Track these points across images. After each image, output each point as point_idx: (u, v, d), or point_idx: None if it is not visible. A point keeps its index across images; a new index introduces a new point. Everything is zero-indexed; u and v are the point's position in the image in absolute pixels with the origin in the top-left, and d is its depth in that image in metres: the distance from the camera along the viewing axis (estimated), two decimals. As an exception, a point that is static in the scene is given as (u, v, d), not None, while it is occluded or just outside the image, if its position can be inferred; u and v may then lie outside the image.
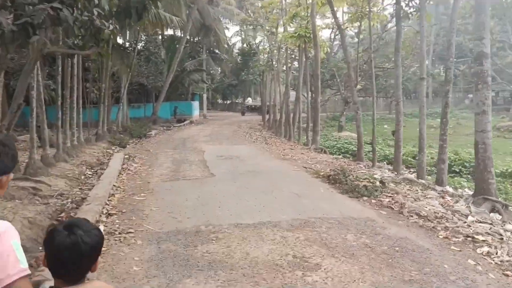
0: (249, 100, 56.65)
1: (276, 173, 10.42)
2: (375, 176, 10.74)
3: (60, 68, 13.11)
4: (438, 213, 6.66)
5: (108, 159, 14.52)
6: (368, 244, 5.22)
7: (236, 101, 73.82)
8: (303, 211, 6.75)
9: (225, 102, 74.90)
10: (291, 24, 20.46)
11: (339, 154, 17.63)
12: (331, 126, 36.01)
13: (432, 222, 6.18)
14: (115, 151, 17.41)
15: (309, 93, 22.64)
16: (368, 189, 7.92)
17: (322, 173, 9.97)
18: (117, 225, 6.10)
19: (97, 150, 16.52)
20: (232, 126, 31.28)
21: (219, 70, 61.61)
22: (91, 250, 1.60)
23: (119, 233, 5.73)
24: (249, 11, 35.72)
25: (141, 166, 12.21)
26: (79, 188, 10.11)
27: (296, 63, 24.37)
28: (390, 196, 7.72)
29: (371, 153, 17.08)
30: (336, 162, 13.77)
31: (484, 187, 8.28)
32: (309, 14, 18.21)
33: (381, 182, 8.54)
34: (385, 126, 38.15)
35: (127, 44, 27.97)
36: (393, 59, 18.84)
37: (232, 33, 66.59)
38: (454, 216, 6.64)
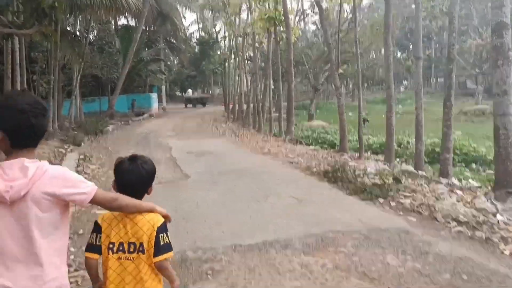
0: (189, 92, 55.43)
1: (261, 171, 8.98)
2: (368, 169, 9.49)
3: (-4, 56, 11.08)
4: (477, 217, 5.43)
5: (60, 160, 12.63)
6: (420, 271, 3.88)
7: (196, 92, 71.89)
8: (314, 222, 5.35)
9: (183, 94, 72.68)
10: (258, 6, 18.99)
11: (316, 145, 16.38)
12: (297, 115, 34.89)
13: (479, 230, 4.94)
14: (69, 150, 15.43)
15: (275, 81, 21.33)
16: (381, 188, 6.61)
17: (315, 169, 8.61)
18: (72, 256, 4.47)
19: (47, 150, 14.50)
20: (195, 118, 29.54)
21: (177, 61, 59.36)
22: (147, 175, 2.19)
23: (75, 270, 4.12)
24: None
25: (100, 168, 10.45)
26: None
27: (263, 49, 22.89)
28: (409, 196, 6.44)
29: (352, 143, 15.97)
30: (319, 154, 12.50)
31: (507, 180, 7.15)
32: (279, -5, 16.81)
33: (394, 178, 7.25)
34: (350, 114, 37.36)
35: (78, 33, 25.63)
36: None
37: (189, 22, 64.46)
38: (496, 220, 5.42)
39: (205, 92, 65.58)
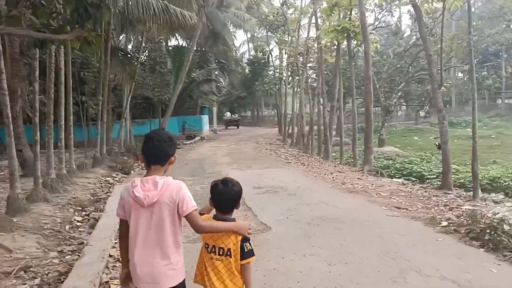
0: (228, 114, 56.89)
1: (364, 220, 6.64)
2: (498, 215, 6.94)
3: (37, 72, 9.47)
4: None
5: (106, 193, 10.88)
6: None
7: (245, 114, 70.47)
8: None
9: (232, 115, 71.49)
10: (324, 17, 16.90)
11: (399, 177, 13.89)
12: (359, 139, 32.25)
13: None
14: (116, 179, 13.74)
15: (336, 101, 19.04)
16: None
17: (444, 224, 6.19)
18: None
19: (93, 179, 12.86)
20: (249, 142, 27.60)
21: (227, 82, 58.21)
22: (236, 195, 2.81)
23: None
24: (262, 15, 32.29)
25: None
26: (58, 252, 6.47)
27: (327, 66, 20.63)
28: None
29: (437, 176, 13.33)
30: (416, 192, 10.03)
31: None
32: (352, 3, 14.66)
33: None
34: (415, 138, 34.39)
35: (129, 52, 24.51)
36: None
37: (240, 42, 63.51)
38: None
39: (255, 113, 64.00)
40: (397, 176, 14.17)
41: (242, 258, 2.66)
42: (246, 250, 2.67)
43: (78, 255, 5.87)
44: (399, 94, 24.14)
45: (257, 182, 10.70)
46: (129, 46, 26.27)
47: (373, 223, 6.45)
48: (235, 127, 49.75)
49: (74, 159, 16.41)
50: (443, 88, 11.17)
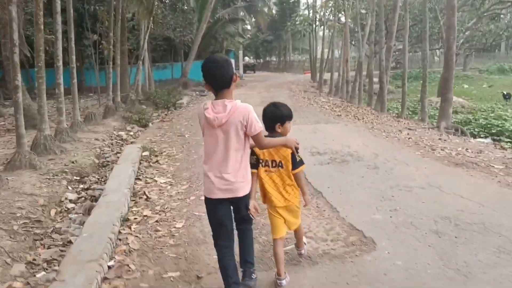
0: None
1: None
2: None
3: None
4: None
5: (117, 154, 8.42)
6: None
7: (270, 59, 66.71)
8: None
9: (257, 60, 67.83)
10: None
11: (484, 137, 11.01)
12: (395, 86, 28.65)
13: None
14: (131, 133, 11.25)
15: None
16: None
17: None
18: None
19: (103, 134, 10.37)
20: (281, 89, 24.70)
21: (253, 24, 54.29)
22: (283, 113, 3.13)
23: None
24: None
25: (174, 185, 5.93)
26: (28, 264, 4.10)
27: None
28: None
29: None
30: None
31: None
32: None
33: None
34: (466, 86, 30.68)
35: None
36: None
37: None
38: None
39: (283, 57, 60.28)
40: (481, 135, 11.31)
41: (294, 168, 3.07)
42: (297, 160, 3.08)
43: (56, 271, 3.48)
44: (466, 33, 20.42)
45: (313, 145, 8.00)
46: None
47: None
48: (252, 72, 47.60)
49: (80, 109, 13.95)
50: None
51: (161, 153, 7.99)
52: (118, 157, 8.01)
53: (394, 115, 15.00)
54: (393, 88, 26.16)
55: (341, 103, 17.31)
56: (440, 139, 9.30)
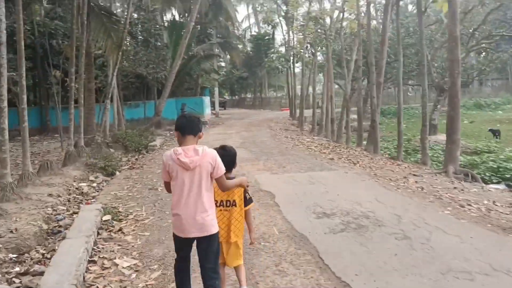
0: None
1: None
2: None
3: None
4: None
5: (72, 215, 6.78)
6: None
7: (246, 96, 65.81)
8: None
9: (232, 97, 66.83)
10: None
11: (497, 182, 9.82)
12: (385, 123, 27.71)
13: None
14: (94, 185, 9.57)
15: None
16: None
17: None
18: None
19: (59, 186, 8.65)
20: (261, 127, 23.38)
21: (228, 61, 53.51)
22: (233, 155, 3.50)
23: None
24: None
25: (141, 272, 4.32)
26: None
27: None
28: None
29: None
30: None
31: None
32: None
33: None
34: (465, 121, 29.80)
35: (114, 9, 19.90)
36: None
37: (241, 17, 58.52)
38: None
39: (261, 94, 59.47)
40: (494, 181, 10.11)
41: (245, 205, 3.46)
42: (247, 198, 3.49)
43: None
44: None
45: (316, 203, 6.53)
46: (115, 7, 21.75)
47: None
48: (223, 108, 46.73)
49: (40, 154, 12.37)
50: None
51: (127, 215, 6.36)
52: (74, 220, 6.36)
53: (387, 156, 13.79)
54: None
55: (328, 143, 16.02)
56: (455, 188, 7.99)
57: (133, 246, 5.04)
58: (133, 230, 5.62)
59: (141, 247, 4.97)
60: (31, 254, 5.34)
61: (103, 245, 5.08)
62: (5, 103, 7.51)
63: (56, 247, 5.40)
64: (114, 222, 5.95)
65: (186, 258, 3.26)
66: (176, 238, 3.18)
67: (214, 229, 3.11)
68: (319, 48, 21.81)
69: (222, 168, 3.12)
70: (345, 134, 17.64)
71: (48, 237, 6.06)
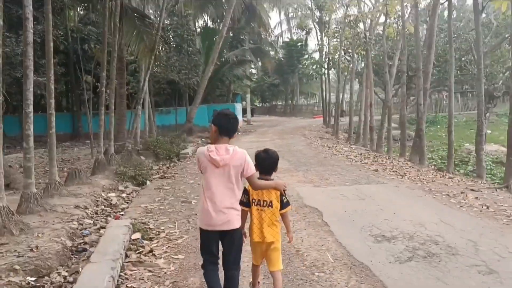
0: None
1: None
2: None
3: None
4: None
5: (99, 231, 6.22)
6: None
7: (277, 103, 65.08)
8: None
9: (263, 104, 66.22)
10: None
11: None
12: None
13: None
14: (124, 195, 9.01)
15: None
16: None
17: None
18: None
19: (87, 197, 8.11)
20: (295, 135, 22.62)
21: (259, 68, 52.96)
22: (275, 159, 3.54)
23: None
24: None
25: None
26: None
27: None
28: None
29: None
30: None
31: None
32: None
33: None
34: (489, 131, 28.28)
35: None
36: None
37: (273, 24, 57.90)
38: None
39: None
40: None
41: (281, 208, 3.47)
42: (284, 202, 3.49)
43: None
44: (506, 73, 18.29)
45: (371, 222, 5.70)
46: (148, 13, 21.38)
47: None
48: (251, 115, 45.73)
49: (70, 161, 12.04)
50: None
51: (158, 233, 5.69)
52: (100, 237, 5.76)
53: (433, 167, 12.76)
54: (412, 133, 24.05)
55: (368, 153, 15.10)
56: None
57: (165, 273, 4.35)
58: (166, 252, 4.94)
59: (175, 275, 4.28)
60: (52, 277, 4.75)
61: (131, 270, 4.41)
62: (31, 108, 6.99)
63: (80, 269, 4.80)
64: (144, 241, 5.29)
65: (213, 255, 3.36)
66: (203, 232, 3.35)
67: (237, 223, 3.30)
68: (358, 53, 20.86)
69: (251, 168, 3.28)
70: (385, 144, 16.63)
71: (72, 256, 5.48)
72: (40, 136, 13.68)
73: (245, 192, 3.48)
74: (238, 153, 3.23)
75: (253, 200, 3.47)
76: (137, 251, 4.97)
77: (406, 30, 15.05)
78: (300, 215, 6.26)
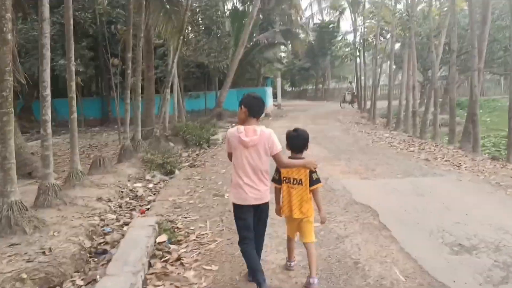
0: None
1: None
2: None
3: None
4: None
5: (121, 227, 5.52)
6: None
7: (307, 87, 63.55)
8: None
9: (293, 89, 64.78)
10: None
11: None
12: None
13: None
14: (150, 186, 8.30)
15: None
16: None
17: None
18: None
19: (111, 188, 7.43)
20: (328, 120, 21.60)
21: (289, 50, 51.66)
22: (305, 138, 3.67)
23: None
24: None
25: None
26: None
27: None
28: None
29: None
30: None
31: None
32: None
33: None
34: None
35: None
36: None
37: (305, 4, 56.27)
38: None
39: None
40: None
41: (311, 185, 3.58)
42: (314, 179, 3.59)
43: None
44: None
45: (441, 226, 4.75)
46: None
47: None
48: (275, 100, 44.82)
49: (97, 147, 11.51)
50: None
51: (187, 235, 4.90)
52: (123, 235, 5.05)
53: (487, 156, 11.57)
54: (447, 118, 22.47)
55: (411, 140, 13.96)
56: None
57: (196, 289, 3.55)
58: (196, 261, 4.14)
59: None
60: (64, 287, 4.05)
61: (155, 286, 3.63)
62: (48, 91, 6.30)
63: (98, 276, 4.10)
64: (171, 245, 4.51)
65: (251, 230, 3.50)
66: (237, 207, 3.55)
67: (267, 198, 3.54)
68: (397, 33, 19.49)
69: (277, 147, 3.46)
70: (431, 129, 15.40)
71: (90, 259, 4.78)
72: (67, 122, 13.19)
73: (277, 170, 3.70)
74: (265, 133, 3.45)
75: (284, 178, 3.67)
76: (162, 259, 4.20)
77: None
78: (351, 215, 5.36)
